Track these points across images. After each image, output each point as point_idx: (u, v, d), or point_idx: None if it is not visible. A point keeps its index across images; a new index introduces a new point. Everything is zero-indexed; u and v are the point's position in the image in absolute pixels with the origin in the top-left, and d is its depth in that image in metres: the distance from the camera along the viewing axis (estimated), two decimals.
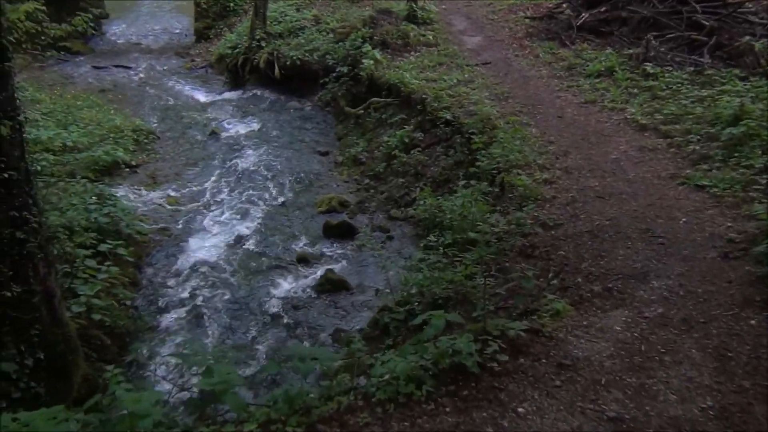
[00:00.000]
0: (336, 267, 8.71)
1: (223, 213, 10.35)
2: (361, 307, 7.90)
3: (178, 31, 23.38)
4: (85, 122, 13.14)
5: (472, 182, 8.22)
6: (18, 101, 5.29)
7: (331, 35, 15.48)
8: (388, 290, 7.39)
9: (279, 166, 12.03)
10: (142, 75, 18.29)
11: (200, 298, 8.09)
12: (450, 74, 12.30)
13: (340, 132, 13.29)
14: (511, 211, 7.19)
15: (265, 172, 11.80)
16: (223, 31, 19.75)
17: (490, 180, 8.35)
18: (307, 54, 15.13)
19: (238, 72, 16.57)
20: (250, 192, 11.08)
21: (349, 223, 9.56)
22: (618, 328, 4.58)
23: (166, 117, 14.89)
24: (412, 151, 10.60)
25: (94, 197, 8.71)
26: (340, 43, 14.52)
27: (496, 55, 13.63)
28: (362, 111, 12.85)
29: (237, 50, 16.69)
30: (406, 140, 11.01)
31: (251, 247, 9.29)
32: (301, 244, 9.35)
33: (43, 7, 18.11)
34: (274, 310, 7.82)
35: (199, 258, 8.99)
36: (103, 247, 7.78)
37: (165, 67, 19.03)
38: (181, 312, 7.83)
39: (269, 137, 13.44)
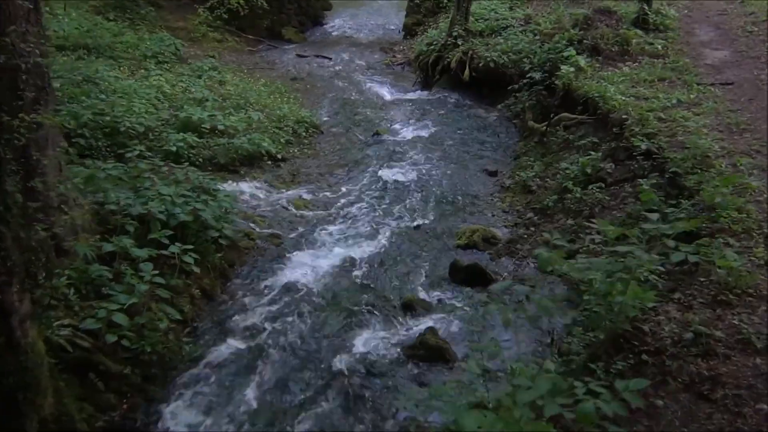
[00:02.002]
0: (445, 325, 6.60)
1: (348, 228, 8.75)
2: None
3: (393, 27, 22.53)
4: (255, 108, 12.47)
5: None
6: None
7: (537, 37, 13.17)
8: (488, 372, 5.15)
9: (433, 182, 10.14)
10: (338, 67, 17.56)
11: (270, 330, 6.52)
12: (670, 93, 9.37)
13: (520, 150, 11.00)
14: (697, 308, 4.50)
15: (415, 187, 9.99)
16: (431, 27, 18.29)
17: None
18: (502, 56, 12.99)
19: (429, 71, 14.97)
20: (389, 207, 9.35)
21: (482, 267, 7.34)
22: None
23: (340, 111, 13.79)
24: (590, 186, 8.03)
25: (192, 189, 7.57)
26: (541, 46, 12.16)
27: (743, 75, 10.28)
28: (546, 127, 10.43)
29: (432, 47, 15.08)
30: (589, 170, 8.44)
31: (358, 277, 7.53)
32: (416, 285, 7.38)
33: None
34: (345, 368, 5.93)
35: (294, 278, 7.45)
36: (173, 249, 6.55)
37: (364, 61, 18.15)
38: (241, 344, 6.30)
39: (437, 146, 11.59)
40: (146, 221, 6.78)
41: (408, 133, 12.31)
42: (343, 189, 10.03)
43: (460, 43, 14.24)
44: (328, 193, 9.88)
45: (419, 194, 9.76)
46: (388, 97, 14.86)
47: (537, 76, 11.25)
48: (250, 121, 11.52)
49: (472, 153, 11.30)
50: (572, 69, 10.59)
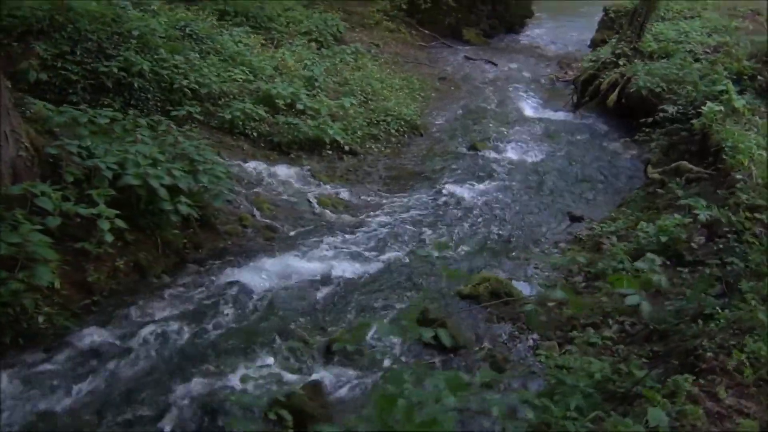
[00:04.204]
0: (356, 382, 5.05)
1: (359, 243, 7.39)
2: None
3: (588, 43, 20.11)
4: (362, 96, 11.55)
5: None
6: None
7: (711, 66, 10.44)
8: None
9: (500, 213, 8.34)
10: (494, 75, 15.87)
11: (163, 332, 5.50)
12: None
13: (628, 198, 8.66)
14: None
15: (475, 213, 8.30)
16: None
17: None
18: (660, 84, 10.47)
19: (580, 91, 12.79)
20: (427, 229, 7.82)
21: (451, 329, 5.53)
22: None
23: (461, 118, 12.27)
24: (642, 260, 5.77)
25: (174, 156, 6.78)
26: (702, 77, 9.53)
27: None
28: (659, 176, 8.03)
29: (592, 64, 12.86)
30: (665, 239, 6.15)
31: (319, 302, 6.20)
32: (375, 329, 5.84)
33: None
34: (191, 403, 4.70)
35: (249, 280, 6.35)
36: (97, 210, 5.78)
37: (530, 74, 16.21)
38: (119, 338, 5.40)
39: (535, 174, 9.61)
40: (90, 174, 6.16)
41: (513, 153, 10.46)
42: (393, 197, 8.66)
43: (621, 63, 11.90)
44: (371, 198, 8.60)
45: (472, 223, 8.06)
46: (527, 112, 12.95)
47: (671, 110, 8.75)
48: (341, 108, 10.58)
49: (572, 191, 9.17)
50: (719, 108, 8.01)
